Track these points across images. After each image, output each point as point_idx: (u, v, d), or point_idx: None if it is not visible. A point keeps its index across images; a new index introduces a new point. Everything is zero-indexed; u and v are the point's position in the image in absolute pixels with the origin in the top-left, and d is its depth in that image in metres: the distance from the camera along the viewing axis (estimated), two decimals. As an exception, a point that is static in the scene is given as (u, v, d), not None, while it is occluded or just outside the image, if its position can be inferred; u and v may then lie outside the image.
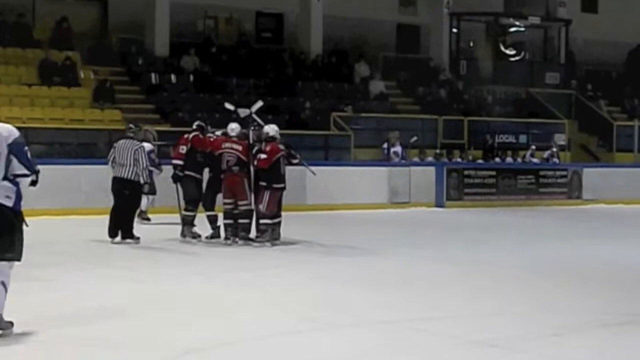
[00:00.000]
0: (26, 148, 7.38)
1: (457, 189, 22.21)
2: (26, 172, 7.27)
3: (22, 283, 8.04)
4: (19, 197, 7.25)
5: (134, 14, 24.51)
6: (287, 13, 27.70)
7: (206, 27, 26.80)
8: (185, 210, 13.99)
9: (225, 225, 13.76)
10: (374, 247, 13.98)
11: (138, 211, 14.58)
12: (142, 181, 13.52)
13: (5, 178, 7.19)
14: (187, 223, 13.97)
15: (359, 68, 26.90)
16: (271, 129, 13.92)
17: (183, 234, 13.98)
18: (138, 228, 13.97)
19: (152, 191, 15.80)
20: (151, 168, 14.57)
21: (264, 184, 13.50)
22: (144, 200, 15.51)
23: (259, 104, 14.56)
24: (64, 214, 16.97)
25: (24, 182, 7.29)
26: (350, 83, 26.65)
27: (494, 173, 23.06)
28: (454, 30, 28.90)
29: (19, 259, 7.27)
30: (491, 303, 9.46)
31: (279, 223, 13.75)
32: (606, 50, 30.84)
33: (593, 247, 14.81)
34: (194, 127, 14.28)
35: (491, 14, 28.88)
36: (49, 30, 23.72)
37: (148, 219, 16.23)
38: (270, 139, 13.76)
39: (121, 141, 13.71)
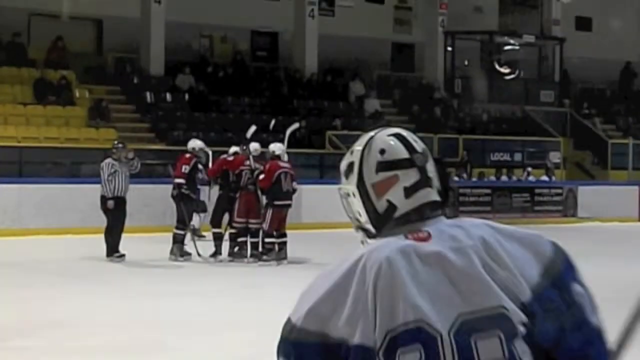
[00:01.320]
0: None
1: (452, 207, 22.17)
2: None
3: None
4: None
5: (129, 33, 24.55)
6: (282, 32, 27.76)
7: (201, 46, 26.85)
8: (177, 228, 14.01)
9: (241, 242, 13.80)
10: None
11: (192, 228, 14.61)
12: (106, 196, 13.76)
13: None
14: (178, 241, 13.99)
15: (354, 86, 26.95)
16: (277, 148, 14.03)
17: (173, 253, 14.00)
18: (191, 245, 14.06)
19: (203, 208, 15.80)
20: (199, 187, 14.74)
21: (266, 201, 13.57)
22: (196, 218, 15.58)
23: (253, 128, 14.73)
24: (58, 233, 16.95)
25: None
26: (346, 101, 26.69)
27: (489, 191, 23.08)
28: (449, 48, 28.99)
29: None
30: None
31: (285, 242, 13.77)
32: (600, 68, 30.93)
33: (588, 265, 14.67)
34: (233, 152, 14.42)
35: (486, 32, 28.97)
36: (44, 49, 23.73)
37: (202, 236, 16.22)
38: (276, 158, 13.85)
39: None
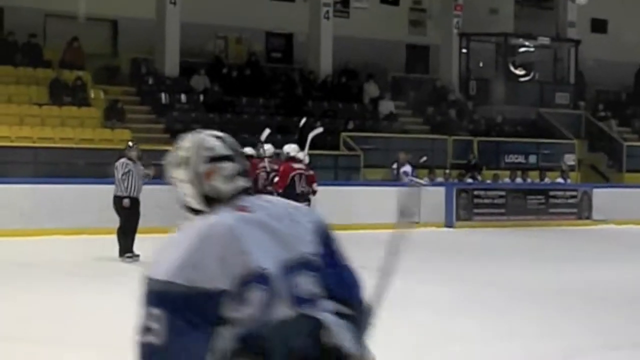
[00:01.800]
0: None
1: (466, 209, 22.19)
2: None
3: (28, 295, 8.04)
4: None
5: (144, 34, 24.61)
6: (296, 33, 27.79)
7: (216, 47, 26.89)
8: None
9: None
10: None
11: None
12: (122, 194, 13.90)
13: None
14: None
15: (369, 88, 26.95)
16: (291, 149, 14.01)
17: None
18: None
19: None
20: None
21: None
22: None
23: (267, 131, 14.85)
24: (73, 234, 16.99)
25: None
26: (360, 103, 26.69)
27: (503, 193, 23.04)
28: (464, 50, 28.95)
29: None
30: (501, 325, 9.43)
31: None
32: (616, 70, 30.85)
33: (603, 268, 14.76)
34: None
35: (501, 34, 28.92)
36: (60, 50, 23.81)
37: None
38: (290, 159, 13.83)
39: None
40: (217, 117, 23.76)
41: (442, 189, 22.18)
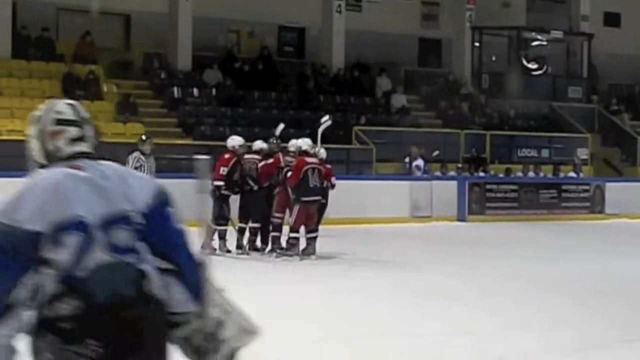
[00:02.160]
0: None
1: (479, 203, 22.17)
2: None
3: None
4: None
5: (157, 28, 24.63)
6: (309, 27, 27.78)
7: (228, 41, 26.89)
8: (218, 225, 14.01)
9: (274, 237, 13.92)
10: (396, 261, 13.96)
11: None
12: None
13: None
14: (222, 237, 14.07)
15: (381, 82, 26.92)
16: (303, 143, 14.02)
17: (220, 249, 14.07)
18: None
19: None
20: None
21: (293, 196, 13.60)
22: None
23: (282, 126, 15.16)
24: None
25: None
26: (372, 97, 26.67)
27: (516, 187, 23.01)
28: (476, 44, 28.90)
29: None
30: (514, 317, 9.42)
31: (314, 238, 13.78)
32: (629, 64, 30.76)
33: (615, 262, 14.74)
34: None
35: (513, 28, 28.86)
36: (73, 44, 23.85)
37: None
38: (303, 153, 13.84)
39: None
40: (229, 111, 23.79)
41: (454, 183, 22.17)
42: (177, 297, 2.97)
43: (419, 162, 22.99)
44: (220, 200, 13.98)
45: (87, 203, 2.94)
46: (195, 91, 24.10)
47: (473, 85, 28.71)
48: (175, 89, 23.85)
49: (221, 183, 13.94)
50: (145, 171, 13.93)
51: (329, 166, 14.62)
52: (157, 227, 3.00)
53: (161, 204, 3.06)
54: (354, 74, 26.85)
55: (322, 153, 14.59)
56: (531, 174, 24.94)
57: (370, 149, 23.71)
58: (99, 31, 24.15)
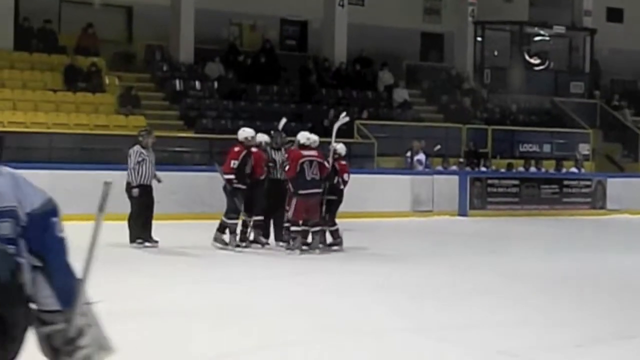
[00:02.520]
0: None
1: (480, 198, 22.16)
2: None
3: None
4: None
5: (159, 21, 24.62)
6: (311, 21, 27.76)
7: (230, 34, 26.88)
8: (229, 219, 13.99)
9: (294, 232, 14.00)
10: (398, 255, 13.97)
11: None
12: (131, 183, 13.85)
13: None
14: (232, 232, 14.03)
15: (383, 76, 26.91)
16: (302, 137, 14.02)
17: (230, 242, 14.03)
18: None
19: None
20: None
21: (291, 190, 13.59)
22: None
23: (284, 120, 15.29)
24: (88, 219, 17.00)
25: None
26: (374, 91, 26.66)
27: (517, 182, 23.00)
28: (478, 38, 28.88)
29: None
30: (514, 313, 9.43)
31: (318, 232, 13.77)
32: (631, 59, 30.75)
33: (616, 258, 14.74)
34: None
35: (516, 22, 28.84)
36: (75, 36, 23.85)
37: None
38: (302, 147, 13.83)
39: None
40: (231, 104, 23.79)
41: (455, 178, 22.17)
42: (43, 294, 3.07)
43: (421, 156, 22.99)
44: (232, 194, 13.93)
45: None
46: (197, 84, 24.10)
47: (475, 80, 28.69)
48: (177, 81, 23.85)
49: (232, 176, 13.89)
50: (148, 165, 13.95)
51: (343, 162, 14.63)
52: (38, 230, 3.11)
53: (46, 212, 3.17)
54: (356, 67, 26.84)
55: (341, 149, 14.53)
56: (533, 169, 24.93)
57: (372, 143, 23.70)
58: (102, 23, 24.15)
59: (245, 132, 14.30)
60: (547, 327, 8.72)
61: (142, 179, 13.87)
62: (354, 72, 26.70)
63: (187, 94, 23.78)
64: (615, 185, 24.05)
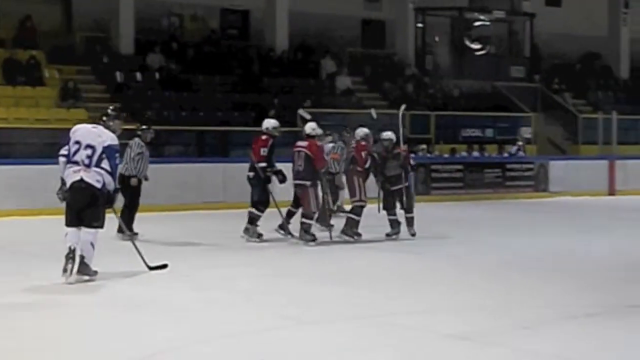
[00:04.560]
0: (117, 155, 10.02)
1: (424, 183, 22.28)
2: (109, 169, 9.83)
3: None
4: (104, 183, 9.80)
5: (98, 12, 24.39)
6: (252, 9, 27.67)
7: (171, 24, 26.70)
8: (257, 210, 13.97)
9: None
10: (342, 242, 13.96)
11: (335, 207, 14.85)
12: (132, 173, 13.92)
13: (96, 166, 9.78)
14: (254, 223, 14.00)
15: (325, 64, 26.91)
16: (308, 127, 14.24)
17: (249, 233, 13.98)
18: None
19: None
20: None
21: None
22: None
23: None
24: (31, 215, 16.86)
25: (108, 179, 9.83)
26: (317, 79, 26.65)
27: (461, 167, 23.16)
28: (419, 25, 28.97)
29: (102, 227, 9.92)
30: (462, 297, 9.50)
31: (302, 223, 13.77)
32: (570, 43, 31.07)
33: (560, 239, 14.91)
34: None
35: (456, 8, 28.97)
36: (13, 29, 23.53)
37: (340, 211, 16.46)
38: (306, 137, 14.02)
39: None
40: (174, 95, 23.63)
41: (400, 164, 22.19)
42: None
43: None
44: (264, 183, 13.91)
45: None
46: (139, 75, 23.90)
47: (417, 66, 28.80)
48: (118, 73, 23.63)
49: (264, 164, 13.86)
50: (145, 159, 14.03)
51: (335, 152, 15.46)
52: None
53: None
54: (298, 56, 26.81)
55: (389, 135, 14.89)
56: (476, 153, 25.12)
57: (316, 131, 23.64)
58: (40, 15, 23.86)
59: (269, 123, 14.36)
60: (495, 310, 8.80)
61: (139, 171, 13.98)
62: (296, 61, 26.67)
63: (128, 85, 23.58)
64: (557, 168, 24.34)
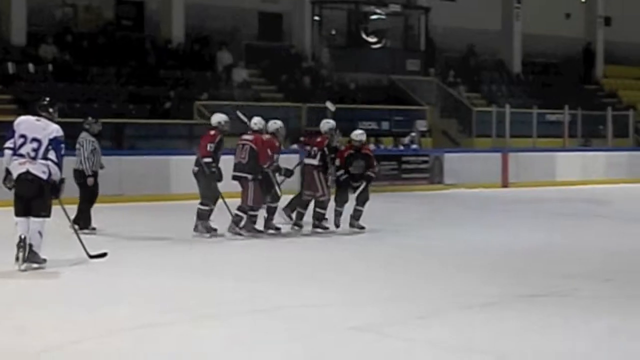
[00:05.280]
0: (62, 145, 10.33)
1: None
2: (55, 160, 10.16)
3: None
4: (50, 174, 10.13)
5: (-11, 2, 23.86)
6: (147, 1, 27.36)
7: (64, 15, 26.24)
8: (202, 204, 13.82)
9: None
10: (236, 236, 13.89)
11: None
12: (86, 172, 13.81)
13: (42, 158, 10.10)
14: (203, 218, 13.80)
15: (222, 56, 26.76)
16: (256, 121, 14.30)
17: (198, 229, 13.80)
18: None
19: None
20: None
21: None
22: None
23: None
24: None
25: (54, 170, 10.15)
26: (213, 71, 26.49)
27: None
28: (316, 17, 29.01)
29: (49, 216, 10.27)
30: (362, 290, 9.54)
31: (249, 216, 13.82)
32: (464, 37, 31.49)
33: (455, 231, 15.10)
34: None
35: (352, 1, 29.11)
36: None
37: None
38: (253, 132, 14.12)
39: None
40: (68, 86, 23.24)
41: (295, 157, 22.22)
42: None
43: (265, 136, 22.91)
44: (210, 179, 13.76)
45: None
46: (31, 67, 23.43)
47: (314, 59, 28.84)
48: (9, 64, 23.13)
49: (209, 159, 13.72)
50: (98, 153, 13.91)
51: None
52: None
53: None
54: (194, 48, 26.62)
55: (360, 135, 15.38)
56: (372, 146, 25.20)
57: (212, 124, 23.53)
58: None
59: (218, 117, 14.28)
60: (392, 301, 8.86)
61: (94, 166, 13.90)
62: (193, 53, 26.47)
63: (20, 77, 23.10)
64: (451, 160, 24.63)
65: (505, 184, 25.26)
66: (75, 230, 11.70)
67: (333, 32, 29.99)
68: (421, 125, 27.17)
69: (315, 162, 14.53)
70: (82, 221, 13.61)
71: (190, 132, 23.42)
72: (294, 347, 7.06)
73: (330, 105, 16.37)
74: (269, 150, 13.94)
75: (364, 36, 29.24)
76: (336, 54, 29.06)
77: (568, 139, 29.26)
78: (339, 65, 28.65)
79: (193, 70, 25.77)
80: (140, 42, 26.11)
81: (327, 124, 15.06)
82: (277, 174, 14.27)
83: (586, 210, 19.51)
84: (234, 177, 13.86)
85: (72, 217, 12.74)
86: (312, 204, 14.51)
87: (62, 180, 10.45)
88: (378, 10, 29.65)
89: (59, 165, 10.27)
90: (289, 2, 29.10)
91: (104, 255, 11.19)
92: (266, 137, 14.14)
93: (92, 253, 11.08)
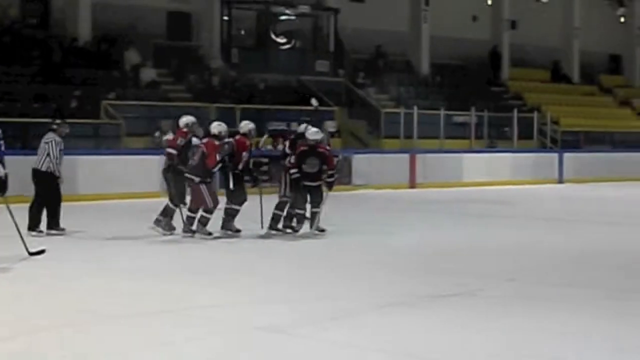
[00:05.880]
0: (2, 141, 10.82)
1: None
2: None
3: None
4: None
5: None
6: (53, -1, 26.98)
7: (-33, 12, 25.72)
8: (172, 203, 13.80)
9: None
10: (151, 236, 13.78)
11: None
12: (56, 174, 13.67)
13: None
14: (168, 215, 13.84)
15: (129, 55, 26.48)
16: (213, 126, 14.36)
17: (160, 225, 13.84)
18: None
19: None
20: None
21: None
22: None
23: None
24: None
25: None
26: (121, 71, 26.20)
27: (267, 160, 23.20)
28: (225, 18, 28.89)
29: None
30: (274, 290, 9.54)
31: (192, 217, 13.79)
32: (373, 39, 31.69)
33: (365, 232, 15.16)
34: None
35: (262, 2, 29.07)
36: None
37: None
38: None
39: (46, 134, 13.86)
40: (-30, 85, 22.80)
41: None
42: None
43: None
44: (175, 176, 13.78)
45: None
46: None
47: (222, 59, 28.72)
48: None
49: (174, 151, 13.76)
50: (62, 156, 13.73)
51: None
52: None
53: None
54: (101, 47, 26.29)
55: (315, 134, 15.37)
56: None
57: (119, 124, 23.32)
58: None
59: (187, 119, 14.38)
60: (305, 302, 8.88)
61: (58, 165, 13.70)
62: (100, 52, 26.14)
63: None
64: (360, 161, 24.77)
65: (412, 185, 25.51)
66: (18, 228, 11.50)
67: (242, 32, 29.90)
68: (330, 126, 27.23)
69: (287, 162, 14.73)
70: (33, 221, 13.46)
71: (96, 132, 23.17)
72: (202, 346, 7.01)
73: (314, 102, 16.48)
74: (243, 153, 14.22)
75: (273, 37, 29.22)
76: (245, 54, 28.98)
77: (475, 141, 29.68)
78: (248, 66, 28.57)
79: (100, 69, 25.46)
80: (46, 40, 25.69)
81: (247, 124, 14.96)
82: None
83: (492, 210, 19.79)
84: (185, 177, 13.84)
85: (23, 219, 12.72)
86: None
87: (5, 176, 10.75)
88: (287, 11, 29.66)
89: (1, 162, 10.53)
90: (198, 1, 28.96)
91: (42, 252, 11.41)
92: (237, 137, 14.28)
93: (33, 250, 11.27)
